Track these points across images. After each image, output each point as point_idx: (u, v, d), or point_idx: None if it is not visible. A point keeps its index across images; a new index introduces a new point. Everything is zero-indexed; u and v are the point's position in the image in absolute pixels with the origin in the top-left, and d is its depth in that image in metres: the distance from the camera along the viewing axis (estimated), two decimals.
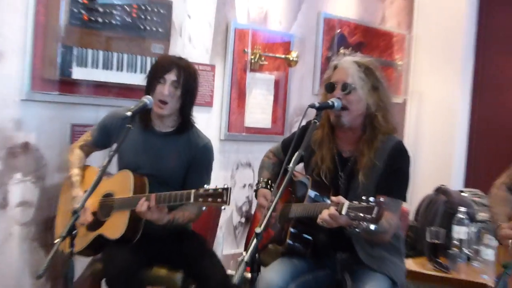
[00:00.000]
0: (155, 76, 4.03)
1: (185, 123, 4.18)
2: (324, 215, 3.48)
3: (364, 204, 3.37)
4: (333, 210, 3.45)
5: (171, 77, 4.01)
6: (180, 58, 4.16)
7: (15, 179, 4.30)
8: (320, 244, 3.87)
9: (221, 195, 3.74)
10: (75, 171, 4.20)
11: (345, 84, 3.76)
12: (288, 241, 3.86)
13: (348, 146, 3.90)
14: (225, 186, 3.76)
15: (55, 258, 3.32)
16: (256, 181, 4.16)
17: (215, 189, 3.75)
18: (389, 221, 3.62)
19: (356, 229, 3.43)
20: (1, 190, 4.24)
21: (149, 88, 4.03)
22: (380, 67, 4.03)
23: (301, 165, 3.98)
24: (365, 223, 3.37)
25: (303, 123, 3.88)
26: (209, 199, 3.77)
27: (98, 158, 4.43)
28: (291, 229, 3.87)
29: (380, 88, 3.86)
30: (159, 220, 3.90)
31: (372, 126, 3.82)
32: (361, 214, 3.37)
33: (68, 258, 3.40)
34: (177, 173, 4.18)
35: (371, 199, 3.36)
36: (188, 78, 4.09)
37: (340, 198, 3.49)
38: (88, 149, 4.30)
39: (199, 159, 4.19)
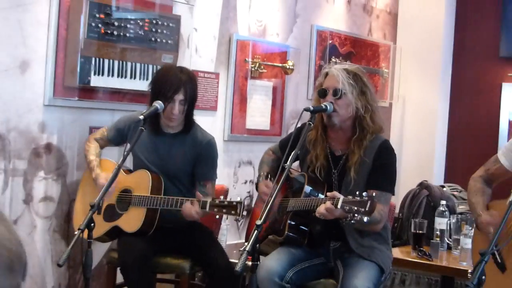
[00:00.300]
0: (164, 95, 3.98)
1: (189, 123, 4.20)
2: (321, 209, 3.52)
3: (358, 198, 3.41)
4: (329, 204, 3.48)
5: (179, 97, 4.02)
6: (182, 71, 4.15)
7: (39, 177, 4.30)
8: (316, 235, 3.88)
9: (235, 208, 3.78)
10: (93, 158, 4.22)
11: (336, 89, 3.80)
12: (287, 232, 3.87)
13: (340, 145, 3.93)
14: (239, 200, 3.79)
15: (74, 248, 3.33)
16: (257, 175, 4.16)
17: (230, 202, 3.79)
18: (380, 212, 3.68)
19: (352, 221, 3.46)
20: (26, 187, 4.23)
21: (156, 99, 3.99)
22: (366, 73, 4.06)
23: (296, 163, 3.98)
24: (359, 215, 3.39)
25: (299, 125, 3.88)
26: (224, 210, 3.81)
27: (112, 152, 4.44)
28: (289, 221, 3.87)
29: (367, 92, 3.88)
30: (197, 218, 3.99)
31: (361, 126, 3.85)
32: (355, 208, 3.41)
33: (87, 248, 3.42)
34: (184, 169, 4.19)
35: (364, 194, 3.40)
36: (193, 92, 4.13)
37: (335, 193, 3.53)
38: (103, 143, 4.33)
39: (204, 154, 4.21)
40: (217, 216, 4.01)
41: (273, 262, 3.80)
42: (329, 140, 3.94)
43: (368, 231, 3.81)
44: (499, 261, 3.04)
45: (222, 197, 3.93)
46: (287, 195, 3.93)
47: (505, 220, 2.80)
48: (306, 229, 3.89)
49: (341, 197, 3.48)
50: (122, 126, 4.27)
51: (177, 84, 4.02)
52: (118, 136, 4.28)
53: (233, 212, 3.81)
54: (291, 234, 3.88)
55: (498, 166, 3.39)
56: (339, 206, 3.46)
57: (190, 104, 4.12)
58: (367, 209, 3.38)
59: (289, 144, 3.63)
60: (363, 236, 3.82)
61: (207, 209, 3.85)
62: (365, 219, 3.42)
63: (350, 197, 3.46)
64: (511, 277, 2.99)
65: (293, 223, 3.88)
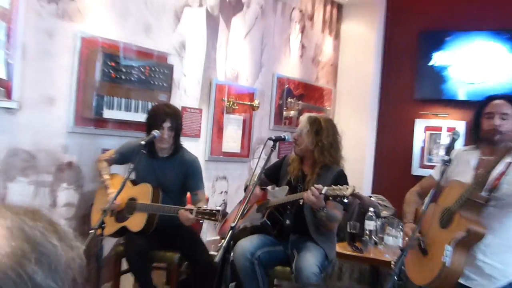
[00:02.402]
0: (156, 124, 4.01)
1: (177, 148, 4.19)
2: (309, 194, 3.55)
3: (339, 186, 3.51)
4: (315, 190, 3.52)
5: (167, 124, 4.04)
6: (168, 106, 4.20)
7: (62, 187, 4.24)
8: (285, 228, 3.95)
9: (215, 215, 3.76)
10: (107, 177, 4.20)
11: (298, 130, 4.06)
12: (265, 219, 3.94)
13: (307, 168, 4.05)
14: (218, 208, 3.78)
15: (90, 243, 3.29)
16: (245, 185, 4.41)
17: (211, 210, 3.77)
18: (340, 214, 3.89)
19: (324, 210, 3.59)
20: (52, 195, 4.18)
21: (151, 130, 3.99)
22: (330, 120, 4.18)
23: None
24: (340, 198, 3.49)
25: (264, 150, 3.98)
26: (206, 216, 3.80)
27: (120, 168, 4.40)
28: (269, 212, 3.94)
29: (321, 134, 4.00)
30: (191, 222, 3.93)
31: (320, 157, 3.97)
32: (337, 192, 3.46)
33: (100, 242, 3.39)
34: (175, 184, 4.18)
35: (345, 185, 3.49)
36: (178, 122, 4.16)
37: (320, 186, 3.57)
38: (110, 162, 4.31)
39: (191, 171, 4.21)
40: (201, 222, 4.00)
41: (247, 242, 3.93)
42: (302, 163, 4.09)
43: (326, 226, 3.84)
44: (423, 247, 3.06)
45: (205, 206, 3.92)
46: (268, 198, 4.05)
47: (418, 229, 2.85)
48: (278, 223, 3.95)
49: (325, 187, 3.57)
50: (124, 151, 4.27)
51: (164, 115, 4.05)
52: (121, 158, 4.28)
53: (213, 218, 3.79)
54: (267, 221, 3.93)
55: (430, 182, 3.39)
56: (323, 192, 3.51)
57: (177, 131, 4.13)
58: (347, 193, 3.48)
59: (265, 163, 3.69)
60: (319, 232, 3.91)
61: (194, 215, 3.84)
62: (345, 199, 3.50)
63: (332, 185, 3.56)
64: (430, 258, 3.00)
65: (271, 213, 3.97)
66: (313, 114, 4.11)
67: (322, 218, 3.70)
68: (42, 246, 0.80)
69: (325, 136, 3.97)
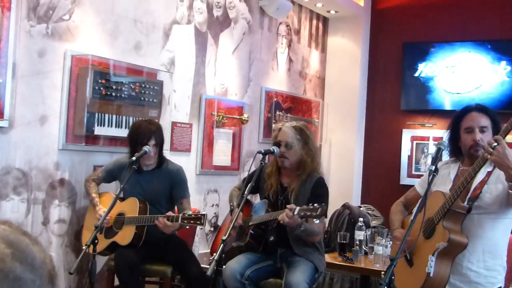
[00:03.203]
0: (141, 143, 3.99)
1: (160, 161, 4.20)
2: (283, 216, 3.55)
3: (311, 206, 3.47)
4: (289, 212, 3.52)
5: (152, 142, 4.04)
6: (151, 123, 4.19)
7: (54, 204, 4.23)
8: (269, 243, 3.90)
9: (200, 219, 3.78)
10: (95, 195, 4.19)
11: (287, 143, 3.88)
12: (248, 239, 3.90)
13: (287, 179, 3.97)
14: (203, 213, 3.80)
15: (83, 259, 3.27)
16: (230, 205, 4.18)
17: (196, 215, 3.79)
18: (320, 227, 3.80)
19: (301, 228, 3.55)
20: (44, 212, 4.16)
21: (136, 148, 3.99)
22: (308, 126, 4.13)
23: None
24: (311, 218, 3.46)
25: (253, 163, 3.94)
26: (191, 221, 3.81)
27: (108, 186, 4.38)
28: (251, 231, 3.92)
29: (309, 142, 3.97)
30: (171, 230, 3.95)
31: (303, 167, 3.90)
32: (309, 213, 3.46)
33: (92, 258, 3.37)
34: (162, 195, 4.17)
35: (315, 204, 3.46)
36: (161, 138, 4.17)
37: (292, 205, 3.57)
38: (98, 182, 4.30)
39: (176, 180, 4.21)
40: (187, 227, 3.97)
41: (235, 264, 3.84)
42: (280, 175, 4.00)
43: (308, 241, 3.83)
44: (409, 258, 3.06)
45: (190, 212, 3.92)
46: (251, 215, 3.98)
47: (408, 233, 2.83)
48: (263, 238, 3.91)
49: (298, 207, 3.54)
50: (111, 168, 4.27)
51: (149, 133, 4.05)
52: (109, 176, 4.28)
53: (198, 222, 3.82)
54: (251, 241, 3.91)
55: (414, 193, 3.41)
56: (296, 213, 3.51)
57: (160, 146, 4.14)
58: (318, 213, 3.47)
59: (247, 178, 3.68)
60: (304, 245, 3.85)
61: (179, 221, 3.83)
62: (316, 221, 3.49)
63: (304, 206, 3.51)
64: (416, 269, 3.01)
65: (253, 233, 3.93)
66: (293, 124, 4.01)
67: (301, 235, 3.69)
68: (18, 245, 0.94)
69: (311, 144, 3.98)
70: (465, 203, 2.94)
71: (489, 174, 2.93)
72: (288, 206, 3.60)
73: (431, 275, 2.85)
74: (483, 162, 2.84)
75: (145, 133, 4.03)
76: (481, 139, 3.02)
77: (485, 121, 3.06)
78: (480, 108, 3.13)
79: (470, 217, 2.93)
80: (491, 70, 6.75)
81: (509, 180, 2.74)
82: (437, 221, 2.93)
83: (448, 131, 3.19)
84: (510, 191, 2.79)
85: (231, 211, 4.07)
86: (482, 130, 3.05)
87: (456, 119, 3.15)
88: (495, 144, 2.70)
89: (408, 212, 3.44)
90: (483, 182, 2.93)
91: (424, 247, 2.97)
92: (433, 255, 2.86)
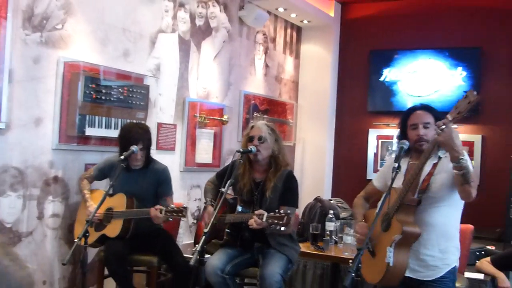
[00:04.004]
0: (129, 146, 3.97)
1: (148, 161, 4.19)
2: (252, 221, 3.53)
3: (277, 214, 3.45)
4: (257, 218, 3.50)
5: (139, 146, 4.02)
6: (139, 127, 4.15)
7: (48, 200, 4.20)
8: (245, 239, 3.87)
9: (182, 212, 3.78)
10: (87, 192, 4.17)
11: (260, 136, 3.83)
12: (225, 237, 3.86)
13: (260, 175, 3.93)
14: (185, 206, 3.79)
15: (75, 251, 3.26)
16: (204, 200, 4.09)
17: (178, 208, 3.78)
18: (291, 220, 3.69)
19: (271, 228, 3.50)
20: (39, 207, 4.13)
21: (127, 147, 3.97)
22: (278, 125, 4.12)
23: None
24: (278, 226, 3.44)
25: (231, 159, 3.95)
26: (174, 214, 3.80)
27: (99, 184, 4.36)
28: (227, 230, 3.86)
29: (279, 140, 3.94)
30: (161, 220, 3.92)
31: (275, 162, 3.87)
32: (276, 221, 3.43)
33: (84, 250, 3.36)
34: (149, 192, 4.15)
35: (282, 211, 3.45)
36: (149, 141, 4.16)
37: (261, 211, 3.54)
38: (91, 180, 4.27)
39: (162, 179, 4.19)
40: (170, 219, 3.95)
41: (215, 260, 3.79)
42: (252, 171, 3.95)
43: (281, 234, 3.82)
44: (371, 250, 3.09)
45: (173, 205, 3.90)
46: (225, 211, 3.91)
47: (374, 225, 2.87)
48: (238, 235, 3.89)
49: (266, 214, 3.51)
50: (102, 167, 4.26)
51: (137, 138, 4.04)
52: (100, 174, 4.26)
53: (180, 214, 3.82)
54: (228, 239, 3.87)
55: (372, 188, 3.45)
56: (264, 219, 3.49)
57: (147, 149, 4.14)
58: (284, 221, 3.44)
59: (226, 175, 3.64)
60: (279, 236, 3.83)
61: (163, 214, 3.83)
62: (282, 228, 3.47)
63: (272, 213, 3.50)
64: (378, 259, 3.04)
65: (229, 231, 3.87)
66: (265, 122, 3.99)
67: (273, 232, 3.67)
68: None
69: (281, 142, 3.97)
70: (416, 195, 2.98)
71: (435, 165, 2.97)
72: (256, 212, 3.58)
73: (391, 264, 2.90)
74: (428, 156, 2.89)
75: (133, 138, 4.02)
76: (425, 134, 3.08)
77: (428, 118, 3.11)
78: (424, 107, 3.19)
79: (422, 207, 2.98)
80: (449, 75, 6.84)
81: (453, 160, 2.78)
82: (392, 214, 2.97)
83: (398, 129, 3.24)
84: (454, 171, 2.83)
85: (205, 207, 3.99)
86: (426, 126, 3.09)
87: (404, 117, 3.20)
88: (444, 126, 2.74)
89: (369, 205, 3.48)
90: (430, 174, 2.97)
91: (383, 239, 3.01)
92: (390, 246, 2.90)
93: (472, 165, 2.95)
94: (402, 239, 2.91)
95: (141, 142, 4.05)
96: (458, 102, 2.74)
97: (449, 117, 2.77)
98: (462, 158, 2.75)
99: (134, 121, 4.51)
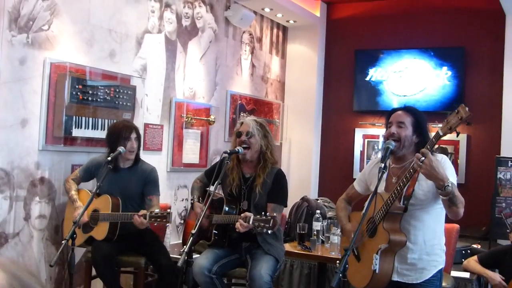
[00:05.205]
0: (123, 137, 4.01)
1: (136, 160, 4.21)
2: (238, 225, 3.56)
3: (264, 217, 3.47)
4: (243, 222, 3.52)
5: (134, 135, 4.05)
6: (128, 121, 4.26)
7: (35, 201, 4.20)
8: (233, 239, 3.89)
9: (166, 217, 3.78)
10: (74, 193, 4.16)
11: (248, 131, 3.87)
12: (213, 238, 3.87)
13: (249, 170, 3.96)
14: (168, 211, 3.79)
15: (62, 252, 3.27)
16: (191, 198, 4.11)
17: (162, 213, 3.80)
18: (278, 219, 3.71)
19: (258, 230, 3.52)
20: (26, 208, 4.13)
21: (117, 144, 4.01)
22: (267, 124, 4.13)
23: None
24: (264, 229, 3.45)
25: (218, 159, 3.95)
26: (158, 219, 3.80)
27: (86, 184, 4.36)
28: (214, 231, 3.88)
29: (268, 136, 3.96)
30: (143, 227, 3.91)
31: (264, 158, 3.90)
32: (262, 224, 3.46)
33: (71, 251, 3.37)
34: (136, 192, 4.17)
35: (268, 214, 3.47)
36: (139, 134, 4.19)
37: (247, 214, 3.56)
38: (77, 181, 4.26)
39: (149, 179, 4.20)
40: (155, 224, 3.97)
41: (203, 260, 3.81)
42: (241, 167, 3.98)
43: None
44: (356, 253, 3.13)
45: (157, 210, 3.91)
46: (212, 212, 3.93)
47: (360, 227, 2.89)
48: (226, 235, 3.91)
49: (252, 216, 3.53)
50: (88, 167, 4.26)
51: (130, 128, 4.09)
52: (87, 174, 4.26)
53: (164, 220, 3.82)
54: (215, 239, 3.89)
55: (354, 191, 3.47)
56: (250, 222, 3.52)
57: (138, 143, 4.16)
58: (270, 225, 3.47)
59: (214, 174, 3.66)
60: (266, 241, 3.85)
61: (147, 219, 3.84)
62: (269, 231, 3.50)
63: (258, 216, 3.53)
64: (363, 264, 3.07)
65: (216, 232, 3.89)
66: (254, 118, 4.02)
67: (260, 232, 3.68)
68: (21, 279, 1.01)
69: (270, 138, 3.99)
70: (401, 202, 2.99)
71: (418, 172, 2.97)
72: (242, 214, 3.61)
73: (377, 271, 2.93)
74: (414, 171, 2.87)
75: (125, 129, 4.06)
76: (396, 132, 3.08)
77: (404, 118, 3.10)
78: (405, 108, 3.20)
79: (408, 213, 2.99)
80: (434, 75, 6.91)
81: (439, 188, 2.79)
82: (378, 222, 3.00)
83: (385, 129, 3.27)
84: (441, 196, 2.85)
85: (192, 205, 4.01)
86: (399, 125, 3.09)
87: (387, 117, 3.22)
88: (423, 158, 2.74)
89: (352, 207, 3.50)
90: (414, 180, 2.96)
91: (368, 245, 3.04)
92: (377, 253, 2.94)
93: (456, 181, 2.95)
94: (388, 247, 2.95)
95: (134, 131, 4.09)
96: (449, 116, 2.74)
97: (428, 147, 2.79)
98: (447, 185, 2.75)
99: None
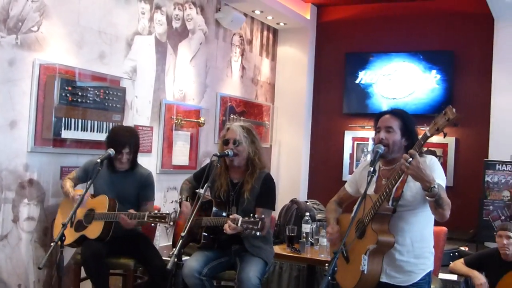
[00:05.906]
0: (116, 149, 4.01)
1: (133, 164, 4.21)
2: (226, 226, 3.55)
3: (252, 219, 3.47)
4: (231, 223, 3.52)
5: (126, 150, 4.07)
6: (128, 131, 4.20)
7: (23, 203, 4.18)
8: (222, 241, 3.89)
9: (165, 218, 3.78)
10: (69, 186, 4.14)
11: (235, 140, 3.85)
12: (202, 241, 3.87)
13: (237, 176, 3.95)
14: (168, 212, 3.78)
15: (51, 253, 3.25)
16: (179, 198, 4.10)
17: (162, 214, 3.80)
18: (267, 222, 3.71)
19: (246, 232, 3.52)
20: (14, 210, 4.11)
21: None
22: (254, 126, 4.12)
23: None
24: (253, 231, 3.46)
25: (208, 162, 3.93)
26: (157, 219, 3.80)
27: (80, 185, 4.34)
28: (204, 233, 3.88)
29: (255, 141, 3.95)
30: (131, 226, 3.94)
31: (253, 165, 3.90)
32: (251, 226, 3.46)
33: (60, 253, 3.35)
34: (132, 195, 4.17)
35: (256, 216, 3.47)
36: (136, 145, 4.20)
37: (235, 216, 3.55)
38: (74, 180, 4.24)
39: (145, 184, 4.22)
40: (152, 224, 3.96)
41: (193, 262, 3.80)
42: (229, 172, 3.97)
43: (256, 236, 3.84)
44: (345, 255, 3.13)
45: (156, 211, 3.92)
46: (201, 214, 3.93)
47: (350, 229, 2.90)
48: (215, 237, 3.91)
49: (240, 218, 3.54)
50: (86, 168, 4.24)
51: (123, 142, 4.07)
52: (83, 176, 4.23)
53: (163, 220, 3.82)
54: (205, 241, 3.88)
55: (345, 193, 3.48)
56: (239, 225, 3.51)
57: (135, 152, 4.15)
58: (259, 227, 3.47)
59: (204, 177, 3.66)
60: (254, 239, 3.84)
61: (145, 219, 3.84)
62: (258, 233, 3.50)
63: (246, 218, 3.53)
64: (352, 265, 3.08)
65: (205, 234, 3.89)
66: (241, 123, 4.00)
67: (249, 235, 3.68)
68: None
69: (258, 143, 3.99)
70: (390, 203, 3.00)
71: (407, 173, 2.97)
72: (231, 216, 3.61)
73: (365, 272, 2.95)
74: (402, 172, 2.88)
75: (120, 141, 4.06)
76: (385, 137, 3.07)
77: (392, 123, 3.10)
78: (393, 112, 3.18)
79: (397, 214, 3.00)
80: (423, 78, 6.96)
81: (425, 189, 2.80)
82: (367, 223, 3.02)
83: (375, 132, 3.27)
84: (427, 197, 2.86)
85: (180, 203, 4.00)
86: (388, 130, 3.09)
87: (375, 121, 3.22)
88: (410, 159, 2.75)
89: (342, 209, 3.51)
90: (403, 182, 2.96)
91: (357, 246, 3.05)
92: (365, 254, 2.95)
93: (444, 185, 2.96)
94: (376, 248, 2.96)
95: (128, 145, 4.08)
96: (437, 118, 2.73)
97: (416, 148, 2.80)
98: (433, 187, 2.77)
99: (124, 125, 4.54)
